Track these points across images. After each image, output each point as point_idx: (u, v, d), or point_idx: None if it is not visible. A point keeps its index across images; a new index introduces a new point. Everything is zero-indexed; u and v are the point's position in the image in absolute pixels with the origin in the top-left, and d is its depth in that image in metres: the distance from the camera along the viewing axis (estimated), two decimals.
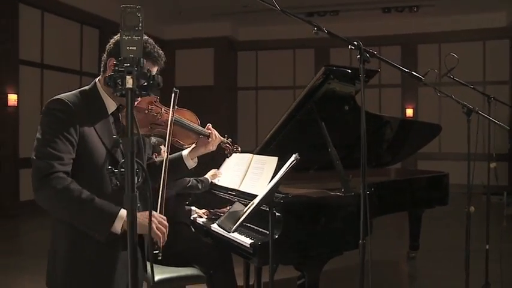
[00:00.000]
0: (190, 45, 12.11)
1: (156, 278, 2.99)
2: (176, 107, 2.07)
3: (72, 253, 1.77)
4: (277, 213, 2.85)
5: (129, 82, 1.05)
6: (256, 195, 3.03)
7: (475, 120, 3.22)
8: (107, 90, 1.85)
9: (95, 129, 1.78)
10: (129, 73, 1.06)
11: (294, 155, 2.20)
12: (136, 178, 1.09)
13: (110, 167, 1.12)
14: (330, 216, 2.99)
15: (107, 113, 1.85)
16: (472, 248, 3.24)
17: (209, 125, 2.17)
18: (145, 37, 1.87)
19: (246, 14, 10.53)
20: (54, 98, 1.77)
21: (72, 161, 1.72)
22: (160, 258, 1.91)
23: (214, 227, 3.25)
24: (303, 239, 2.86)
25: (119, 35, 1.83)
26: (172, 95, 2.08)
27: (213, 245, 3.44)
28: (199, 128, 2.12)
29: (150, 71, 1.16)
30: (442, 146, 10.52)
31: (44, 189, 1.65)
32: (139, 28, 1.15)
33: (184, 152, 2.13)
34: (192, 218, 3.42)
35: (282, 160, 3.79)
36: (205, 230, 3.33)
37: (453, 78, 3.60)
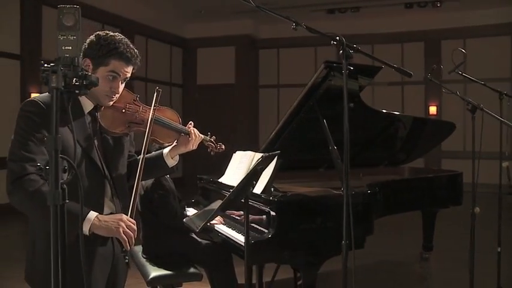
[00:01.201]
0: (212, 43, 12.15)
1: (153, 275, 3.01)
2: (157, 105, 2.05)
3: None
4: (271, 212, 2.84)
5: (54, 81, 1.05)
6: (255, 194, 3.04)
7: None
8: None
9: (69, 129, 1.76)
10: (54, 72, 1.07)
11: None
12: (66, 174, 1.09)
13: (38, 164, 1.12)
14: (326, 215, 2.94)
15: (83, 112, 1.88)
16: (484, 250, 3.13)
17: (190, 123, 2.15)
18: (120, 37, 1.90)
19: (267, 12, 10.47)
20: (28, 99, 1.80)
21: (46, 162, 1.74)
22: (127, 261, 1.92)
23: (218, 226, 3.26)
24: (297, 238, 2.82)
25: (94, 35, 1.88)
26: (155, 94, 2.05)
27: (212, 245, 3.44)
28: (180, 126, 2.09)
29: (85, 70, 1.16)
30: (466, 144, 10.25)
31: (17, 192, 1.67)
32: (77, 28, 1.14)
33: (165, 151, 2.12)
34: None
35: (285, 158, 3.79)
36: (207, 229, 3.34)
37: (461, 74, 3.49)
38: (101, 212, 1.84)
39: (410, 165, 5.02)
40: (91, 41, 1.87)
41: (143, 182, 3.35)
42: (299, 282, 3.25)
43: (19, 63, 8.00)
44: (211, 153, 2.29)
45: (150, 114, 1.99)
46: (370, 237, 3.11)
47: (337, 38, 1.95)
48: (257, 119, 12.65)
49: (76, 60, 1.14)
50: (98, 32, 1.90)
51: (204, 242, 3.50)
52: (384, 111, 4.07)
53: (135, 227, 1.78)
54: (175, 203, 3.34)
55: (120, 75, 1.87)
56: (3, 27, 7.69)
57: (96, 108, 1.91)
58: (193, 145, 2.09)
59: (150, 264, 3.15)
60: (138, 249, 3.38)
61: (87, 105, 1.89)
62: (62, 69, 1.07)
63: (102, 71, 1.84)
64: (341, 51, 1.96)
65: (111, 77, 1.86)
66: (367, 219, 3.13)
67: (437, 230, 4.94)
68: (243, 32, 11.87)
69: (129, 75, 1.91)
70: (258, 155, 3.34)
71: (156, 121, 2.00)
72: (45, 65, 1.13)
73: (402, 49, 11.22)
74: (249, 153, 3.44)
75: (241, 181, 1.75)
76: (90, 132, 1.88)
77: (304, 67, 11.86)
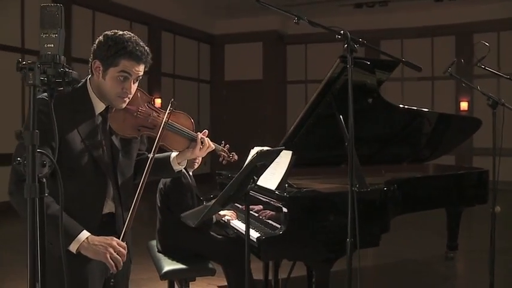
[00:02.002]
0: (239, 39, 12.16)
1: (166, 268, 3.04)
2: (171, 109, 1.98)
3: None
4: (284, 208, 2.82)
5: (31, 78, 1.06)
6: (269, 190, 3.03)
7: None
8: (96, 92, 1.86)
9: (78, 130, 1.80)
10: (31, 70, 1.08)
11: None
12: (45, 168, 1.10)
13: (18, 158, 1.14)
14: (339, 212, 2.90)
15: (94, 113, 1.86)
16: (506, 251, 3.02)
17: (205, 131, 2.08)
18: (128, 35, 1.86)
19: (295, 7, 10.42)
20: (39, 96, 1.75)
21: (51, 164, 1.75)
22: (112, 284, 1.88)
23: (233, 222, 3.26)
24: (309, 235, 2.79)
25: (102, 35, 1.85)
26: (169, 106, 1.98)
27: (228, 240, 3.45)
28: (192, 133, 2.03)
29: (66, 67, 1.17)
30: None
31: (17, 195, 1.68)
32: (60, 26, 1.15)
33: (173, 155, 2.08)
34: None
35: (304, 154, 3.75)
36: (223, 225, 3.35)
37: (484, 68, 3.38)
38: (100, 211, 1.86)
39: (440, 162, 4.90)
40: (99, 42, 1.83)
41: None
42: (313, 280, 3.23)
43: None
44: (223, 162, 2.25)
45: (162, 123, 1.92)
46: (392, 235, 3.05)
47: (341, 32, 1.90)
48: (285, 114, 12.60)
49: (57, 58, 1.15)
50: (105, 32, 1.86)
51: (219, 237, 3.51)
52: (405, 106, 3.98)
53: (124, 252, 1.76)
54: (192, 200, 3.35)
55: (131, 75, 1.82)
56: (34, 26, 7.88)
57: (108, 109, 1.89)
58: (201, 153, 2.04)
59: (164, 258, 3.18)
60: (154, 243, 3.42)
61: (99, 106, 1.88)
62: (39, 67, 1.08)
63: (112, 72, 1.80)
64: (345, 45, 1.91)
65: (122, 78, 1.81)
66: (383, 216, 3.07)
67: (464, 228, 4.81)
68: (270, 27, 11.82)
69: (141, 73, 1.86)
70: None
71: (168, 127, 1.94)
72: (23, 62, 1.14)
73: (432, 43, 10.96)
74: (265, 149, 3.42)
75: (237, 177, 1.73)
76: (98, 133, 1.87)
77: (332, 62, 11.73)
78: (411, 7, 10.38)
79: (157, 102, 10.08)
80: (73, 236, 1.72)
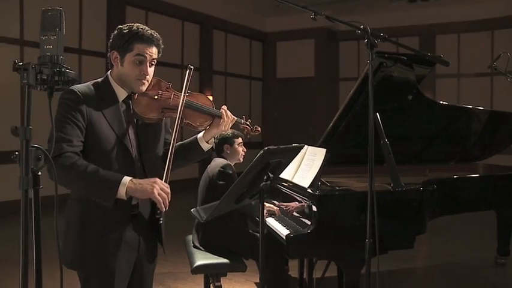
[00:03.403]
0: (291, 36, 12.12)
1: (197, 263, 3.09)
2: (189, 92, 2.10)
3: (83, 230, 1.95)
4: (313, 206, 2.78)
5: (25, 77, 1.12)
6: (301, 187, 3.00)
7: None
8: (118, 81, 2.02)
9: (104, 115, 1.94)
10: (26, 70, 1.14)
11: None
12: (39, 161, 1.15)
13: (16, 152, 1.21)
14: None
15: (117, 99, 2.01)
16: None
17: (224, 106, 2.18)
18: (139, 25, 2.01)
19: (346, 3, 10.25)
20: (67, 88, 1.93)
21: (81, 143, 1.90)
22: (161, 222, 2.03)
23: (267, 219, 3.26)
24: (337, 235, 2.75)
25: (116, 30, 1.98)
26: (187, 71, 2.09)
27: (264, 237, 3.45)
28: (212, 109, 2.13)
29: (64, 67, 1.22)
30: None
31: (56, 168, 1.81)
32: (59, 28, 1.20)
33: (199, 135, 2.18)
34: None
35: (342, 154, 3.68)
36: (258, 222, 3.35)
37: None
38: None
39: (497, 162, 4.68)
40: (113, 35, 2.00)
41: (209, 170, 3.48)
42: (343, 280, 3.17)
43: (104, 61, 8.52)
44: (248, 136, 2.31)
45: (182, 92, 2.04)
46: (437, 236, 2.94)
47: (361, 26, 1.85)
48: (337, 112, 12.40)
49: (55, 58, 1.20)
50: (119, 26, 2.03)
51: (256, 234, 3.53)
52: (448, 103, 3.82)
53: (168, 190, 1.88)
54: None
55: (146, 57, 1.96)
56: (90, 27, 8.23)
57: (130, 97, 2.03)
58: (225, 127, 2.13)
59: (198, 253, 3.24)
60: (191, 238, 3.47)
61: (121, 94, 2.03)
62: (33, 67, 1.14)
63: (129, 58, 1.96)
64: (366, 40, 1.85)
65: (138, 61, 1.96)
66: (418, 217, 2.97)
67: None
68: (322, 24, 11.63)
69: (155, 56, 2.01)
70: (311, 149, 3.29)
71: (188, 105, 2.05)
72: (19, 63, 1.19)
73: (492, 37, 10.40)
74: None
75: (244, 174, 1.72)
76: (123, 119, 2.00)
77: None
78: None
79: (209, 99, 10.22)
80: (117, 182, 1.83)
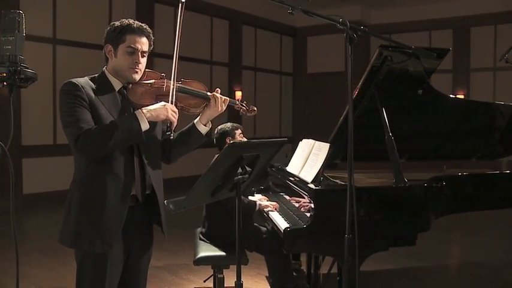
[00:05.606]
0: (321, 31, 11.99)
1: (200, 255, 3.14)
2: (182, 79, 2.21)
3: (82, 210, 2.03)
4: (312, 201, 2.78)
5: None
6: (303, 181, 3.01)
7: None
8: (112, 73, 2.13)
9: (102, 102, 2.05)
10: None
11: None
12: None
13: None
14: (369, 207, 2.80)
15: (114, 89, 2.12)
16: None
17: (217, 89, 2.27)
18: (128, 19, 2.13)
19: None
20: (66, 81, 2.06)
21: (93, 121, 2.01)
22: (172, 137, 2.19)
23: (271, 214, 3.28)
24: (333, 230, 2.72)
25: (109, 25, 2.11)
26: (180, 4, 2.17)
27: (269, 232, 3.47)
28: (204, 92, 2.22)
29: (23, 66, 1.29)
30: None
31: (83, 145, 1.95)
32: (17, 30, 1.27)
33: (196, 119, 2.26)
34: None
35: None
36: (264, 216, 3.37)
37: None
38: (129, 188, 2.06)
39: None
40: (107, 30, 2.13)
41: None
42: (339, 278, 3.16)
43: None
44: (245, 115, 2.36)
45: (174, 55, 2.17)
46: (450, 235, 2.88)
47: (340, 20, 1.83)
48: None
49: (13, 57, 1.27)
50: (112, 22, 2.15)
51: (262, 228, 3.55)
52: (462, 98, 3.71)
53: (176, 109, 2.10)
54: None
55: (137, 48, 2.08)
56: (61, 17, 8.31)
57: (125, 87, 2.14)
58: (220, 107, 2.21)
59: (202, 245, 3.29)
60: (199, 230, 3.52)
61: (116, 84, 2.14)
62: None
63: (121, 49, 2.09)
64: (344, 35, 1.83)
65: (130, 51, 2.08)
66: (421, 214, 2.91)
67: None
68: (352, 18, 11.39)
69: (145, 48, 2.12)
70: (318, 143, 3.28)
71: (180, 90, 2.17)
72: None
73: None
74: (310, 141, 3.40)
75: (212, 167, 1.74)
76: (120, 107, 2.11)
77: None
78: None
79: (238, 95, 10.31)
80: (133, 116, 2.01)
